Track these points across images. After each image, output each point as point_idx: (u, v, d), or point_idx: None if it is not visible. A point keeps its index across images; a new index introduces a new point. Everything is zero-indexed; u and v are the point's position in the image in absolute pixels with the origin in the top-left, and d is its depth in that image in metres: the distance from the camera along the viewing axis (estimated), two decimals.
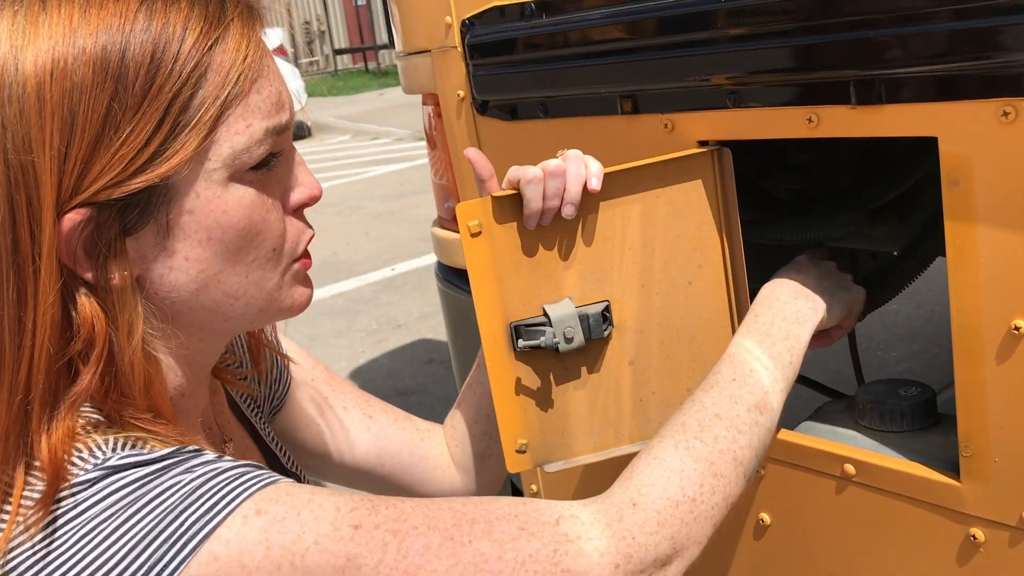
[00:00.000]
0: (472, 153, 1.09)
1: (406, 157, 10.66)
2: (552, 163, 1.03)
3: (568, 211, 1.05)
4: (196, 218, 0.77)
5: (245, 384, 1.06)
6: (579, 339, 1.13)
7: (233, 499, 0.71)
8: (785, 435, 1.18)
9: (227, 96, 0.76)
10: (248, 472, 0.74)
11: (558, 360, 1.16)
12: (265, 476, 0.75)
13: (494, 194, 1.08)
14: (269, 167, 0.81)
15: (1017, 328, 0.91)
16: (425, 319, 4.89)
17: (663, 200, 1.14)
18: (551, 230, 1.11)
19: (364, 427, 1.18)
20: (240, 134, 0.77)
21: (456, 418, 1.23)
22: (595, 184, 1.04)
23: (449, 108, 1.49)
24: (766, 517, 1.22)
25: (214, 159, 0.76)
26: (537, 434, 1.18)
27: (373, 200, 8.33)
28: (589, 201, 1.08)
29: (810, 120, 1.01)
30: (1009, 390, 0.93)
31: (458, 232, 1.69)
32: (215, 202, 0.77)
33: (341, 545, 0.73)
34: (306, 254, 0.88)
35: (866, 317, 1.52)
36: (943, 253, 1.45)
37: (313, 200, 0.87)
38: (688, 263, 1.16)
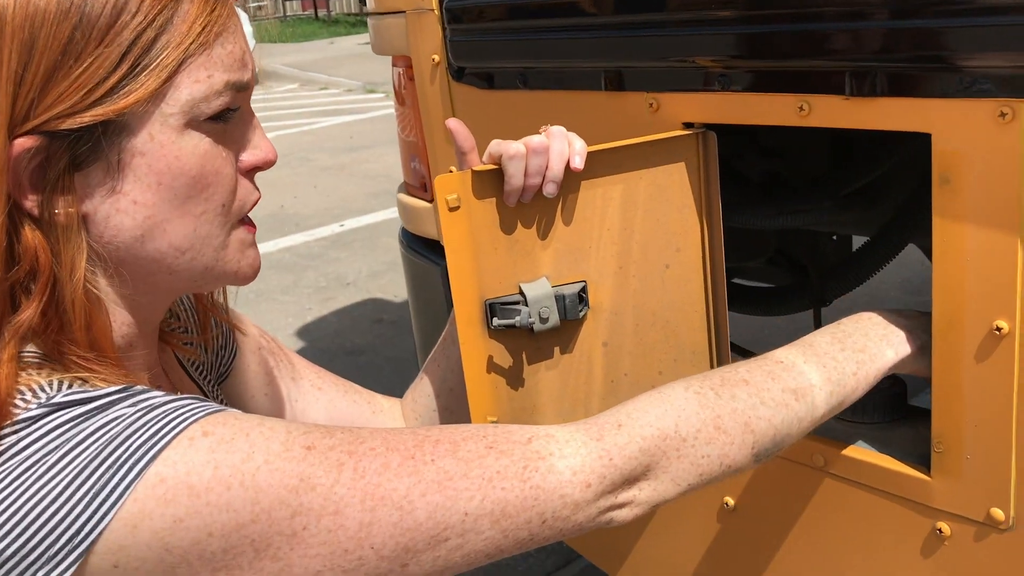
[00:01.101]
0: (454, 124, 1.06)
1: (356, 109, 10.51)
2: (535, 139, 1.01)
3: (549, 189, 1.03)
4: (148, 161, 0.77)
5: (191, 349, 1.04)
6: (554, 319, 1.11)
7: (179, 423, 0.70)
8: None
9: (191, 44, 0.77)
10: (195, 401, 0.73)
11: (532, 339, 1.14)
12: (212, 405, 0.74)
13: (474, 168, 1.05)
14: (226, 121, 0.81)
15: (999, 329, 0.91)
16: (374, 278, 4.83)
17: (645, 182, 1.12)
18: (531, 207, 1.08)
19: (313, 398, 1.16)
20: (200, 82, 0.77)
21: (418, 391, 1.21)
22: (578, 163, 1.03)
23: (423, 73, 1.45)
24: (730, 500, 1.23)
25: (172, 103, 0.76)
26: (507, 412, 1.16)
27: (322, 152, 8.20)
28: (571, 180, 1.06)
29: (801, 108, 1.00)
30: (987, 389, 0.94)
31: (425, 200, 1.66)
32: (169, 147, 0.77)
33: (293, 465, 0.72)
34: (250, 221, 0.88)
35: (832, 303, 1.53)
36: (914, 242, 1.46)
37: (267, 164, 0.87)
38: (667, 246, 1.15)
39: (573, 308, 1.12)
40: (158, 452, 0.68)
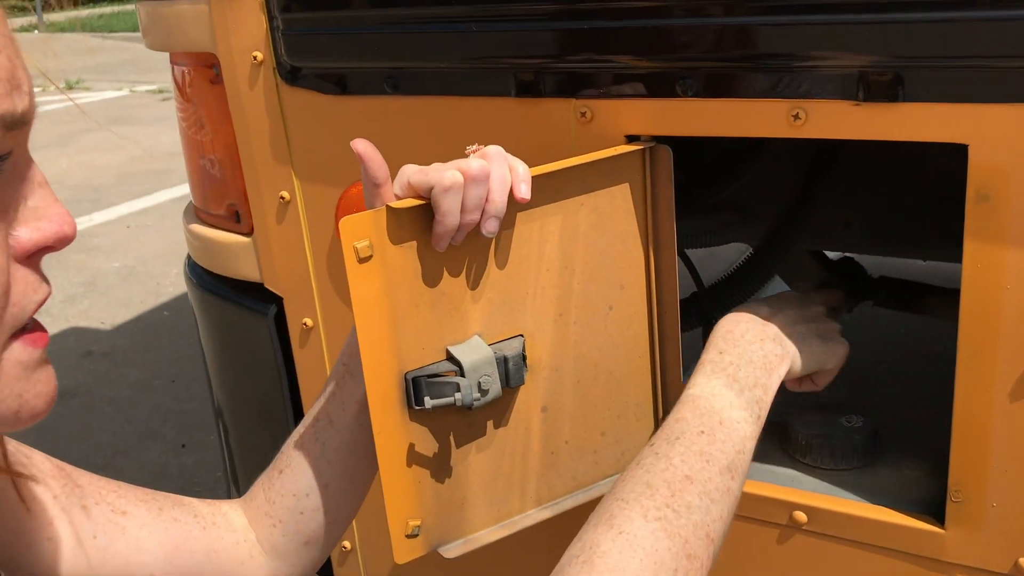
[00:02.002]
0: (362, 147, 0.81)
1: None
2: (473, 164, 0.79)
3: (491, 227, 0.83)
4: None
5: None
6: (496, 389, 0.88)
7: None
8: None
9: None
10: None
11: (462, 416, 0.90)
12: None
13: (391, 205, 0.81)
14: None
15: None
16: (72, 303, 4.20)
17: (587, 209, 0.92)
18: (459, 251, 0.86)
19: (118, 529, 0.84)
20: None
21: (275, 490, 0.93)
22: (524, 192, 0.83)
23: (237, 75, 1.13)
24: None
25: None
26: (432, 511, 0.92)
27: None
28: (506, 212, 0.84)
29: (796, 117, 0.83)
30: (1021, 432, 0.83)
31: (239, 233, 1.33)
32: None
33: None
34: (37, 325, 0.59)
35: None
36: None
37: (61, 241, 0.59)
38: (610, 284, 0.95)
39: (517, 372, 0.89)
40: None
